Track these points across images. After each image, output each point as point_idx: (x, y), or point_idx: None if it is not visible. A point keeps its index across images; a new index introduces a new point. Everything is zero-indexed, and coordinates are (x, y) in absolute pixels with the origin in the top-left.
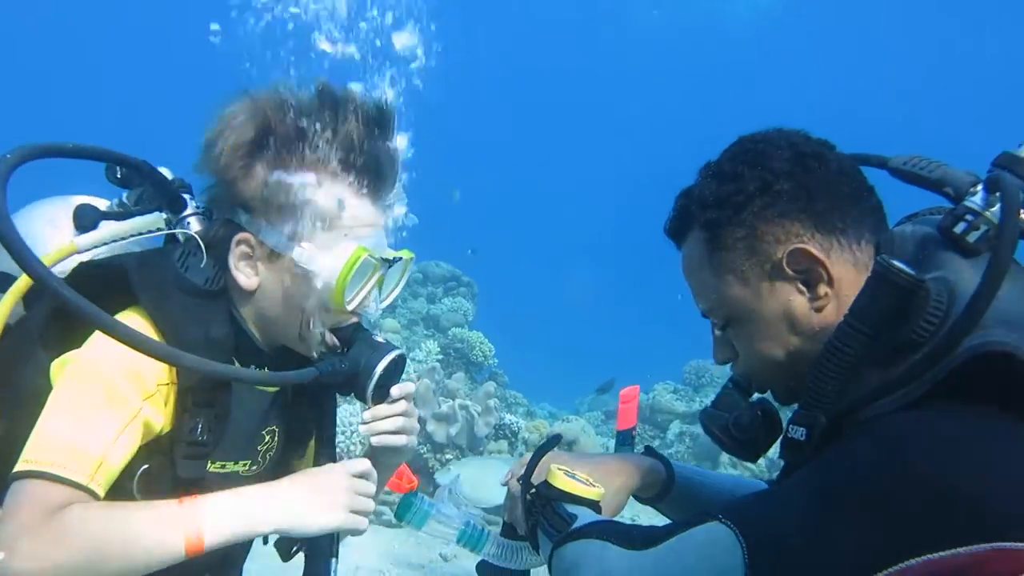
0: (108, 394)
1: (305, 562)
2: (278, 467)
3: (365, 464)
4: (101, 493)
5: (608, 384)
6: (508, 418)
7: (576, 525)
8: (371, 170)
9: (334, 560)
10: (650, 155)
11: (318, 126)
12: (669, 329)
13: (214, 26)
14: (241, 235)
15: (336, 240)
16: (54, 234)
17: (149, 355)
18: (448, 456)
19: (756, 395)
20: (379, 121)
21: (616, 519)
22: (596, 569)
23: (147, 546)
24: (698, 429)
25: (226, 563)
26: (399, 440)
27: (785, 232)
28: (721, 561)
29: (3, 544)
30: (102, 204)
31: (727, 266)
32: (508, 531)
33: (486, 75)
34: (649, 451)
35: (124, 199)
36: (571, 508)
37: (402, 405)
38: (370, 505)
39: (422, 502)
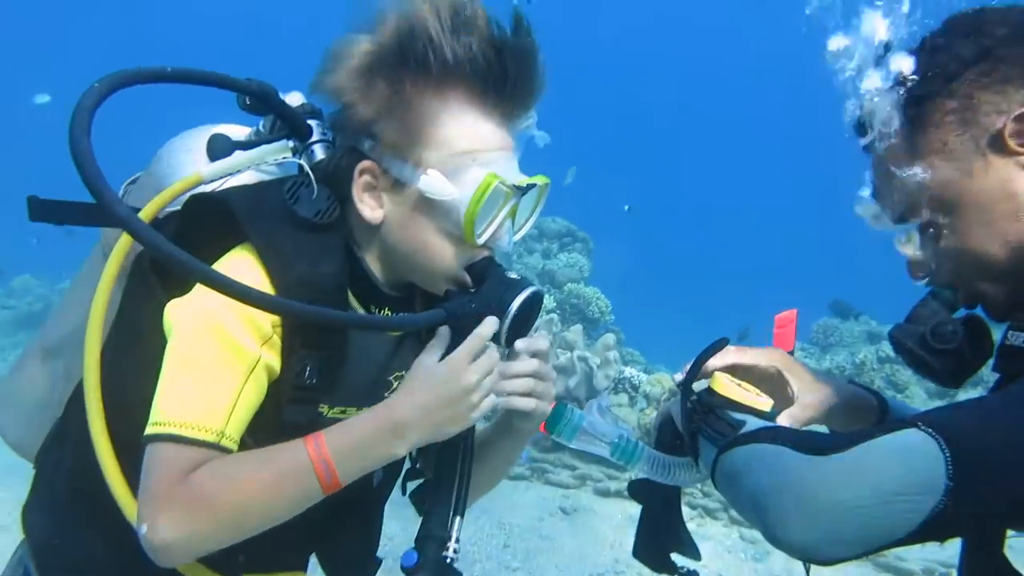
0: (226, 344)
1: (424, 512)
2: None
3: (477, 339)
4: (234, 448)
5: (744, 331)
6: (628, 371)
7: (744, 431)
8: (503, 88)
9: (458, 518)
10: (768, 104)
11: (443, 39)
12: (792, 288)
13: None
14: (364, 164)
15: (464, 166)
16: (190, 164)
17: (248, 303)
18: None
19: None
20: (514, 33)
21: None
22: (769, 475)
23: (283, 493)
24: None
25: (357, 509)
26: (526, 404)
27: (1007, 99)
28: (919, 472)
29: (144, 517)
30: (243, 132)
31: (932, 146)
32: (661, 446)
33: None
34: (851, 382)
35: (261, 127)
36: (738, 416)
37: (534, 364)
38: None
39: (572, 413)
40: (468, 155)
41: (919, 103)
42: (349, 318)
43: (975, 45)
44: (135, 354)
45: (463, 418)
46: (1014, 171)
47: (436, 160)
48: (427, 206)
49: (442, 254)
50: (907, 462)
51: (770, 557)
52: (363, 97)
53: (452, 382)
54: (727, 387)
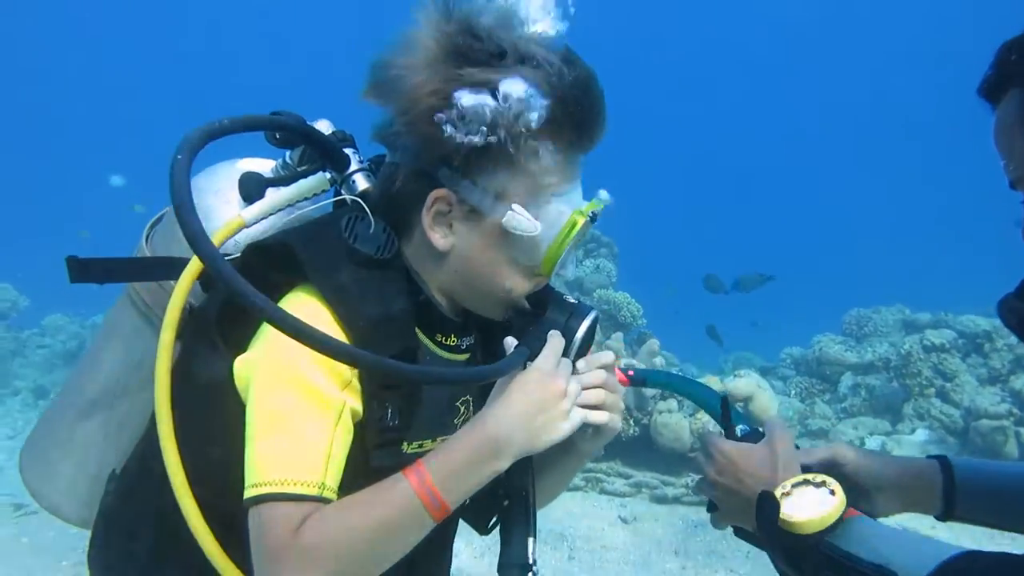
0: (310, 394)
1: (501, 539)
2: None
3: (555, 347)
4: (334, 497)
5: (713, 331)
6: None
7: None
8: (583, 126)
9: (531, 540)
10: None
11: (537, 78)
12: (822, 277)
13: None
14: (439, 192)
15: (545, 201)
16: (223, 207)
17: (334, 356)
18: None
19: None
20: (588, 67)
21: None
22: None
23: (397, 530)
24: (874, 380)
25: (438, 536)
26: (599, 417)
27: None
28: None
29: None
30: (268, 165)
31: None
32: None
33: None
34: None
35: (288, 159)
36: (873, 558)
37: (602, 375)
38: (614, 406)
39: None
40: (548, 189)
41: None
42: (451, 375)
43: None
44: (209, 414)
45: (555, 427)
46: None
47: (517, 194)
48: (503, 237)
49: (510, 283)
50: None
51: None
52: (445, 126)
53: (544, 387)
54: (806, 519)
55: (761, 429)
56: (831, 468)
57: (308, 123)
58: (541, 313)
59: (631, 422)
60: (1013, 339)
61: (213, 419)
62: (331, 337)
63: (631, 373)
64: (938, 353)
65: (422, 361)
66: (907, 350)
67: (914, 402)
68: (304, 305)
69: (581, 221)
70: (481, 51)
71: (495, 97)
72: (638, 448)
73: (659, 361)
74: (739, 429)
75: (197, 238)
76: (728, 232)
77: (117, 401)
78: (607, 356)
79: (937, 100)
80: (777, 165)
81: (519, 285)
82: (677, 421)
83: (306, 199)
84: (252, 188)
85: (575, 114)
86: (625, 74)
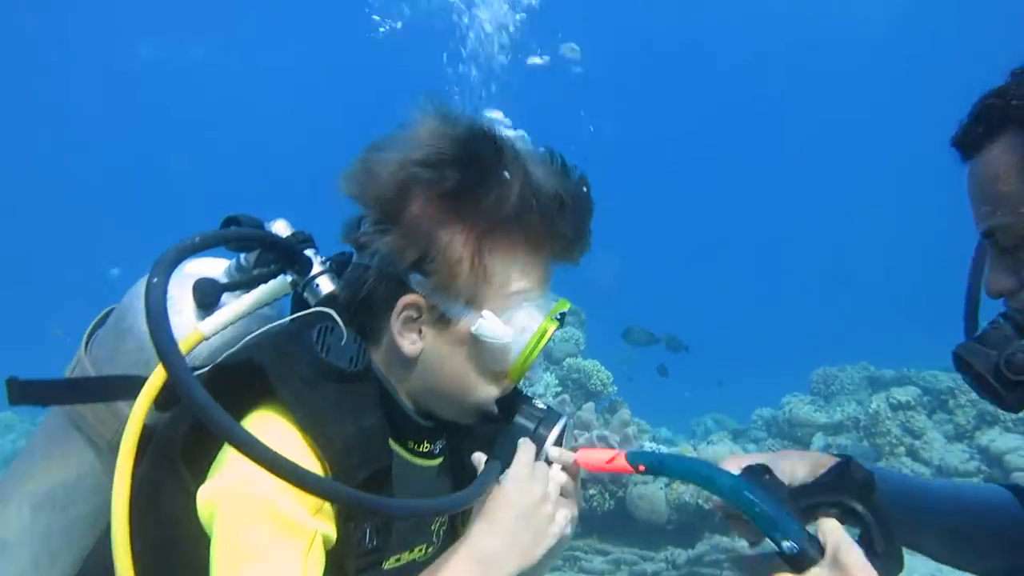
0: (279, 524)
1: None
2: (447, 538)
3: (526, 456)
4: None
5: (663, 369)
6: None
7: None
8: (560, 239)
9: None
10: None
11: (514, 189)
12: (787, 335)
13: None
14: (409, 298)
15: (515, 306)
16: (175, 318)
17: (317, 494)
18: (591, 492)
19: None
20: (576, 185)
21: None
22: None
23: None
24: (845, 440)
25: None
26: None
27: None
28: None
29: None
30: (220, 267)
31: None
32: None
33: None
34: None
35: (243, 261)
36: None
37: (561, 478)
38: (571, 505)
39: None
40: (520, 295)
41: None
42: (439, 507)
43: None
44: (171, 549)
45: (544, 533)
46: None
47: (490, 300)
48: (473, 344)
49: (480, 390)
50: None
51: None
52: (421, 234)
53: (523, 497)
54: None
55: (820, 539)
56: (765, 471)
57: (266, 227)
58: (509, 419)
59: (606, 495)
60: (975, 395)
61: (176, 554)
62: (318, 476)
63: (642, 468)
64: (904, 411)
65: (396, 474)
66: (875, 409)
67: (885, 461)
68: (272, 428)
69: (552, 329)
70: (472, 164)
71: (478, 210)
72: (614, 522)
73: (631, 431)
74: (786, 546)
75: (181, 380)
76: (694, 293)
77: (52, 527)
78: (567, 456)
79: (903, 151)
80: (742, 222)
81: (488, 391)
82: (653, 492)
83: (266, 305)
84: (208, 295)
85: (558, 229)
86: (588, 135)
